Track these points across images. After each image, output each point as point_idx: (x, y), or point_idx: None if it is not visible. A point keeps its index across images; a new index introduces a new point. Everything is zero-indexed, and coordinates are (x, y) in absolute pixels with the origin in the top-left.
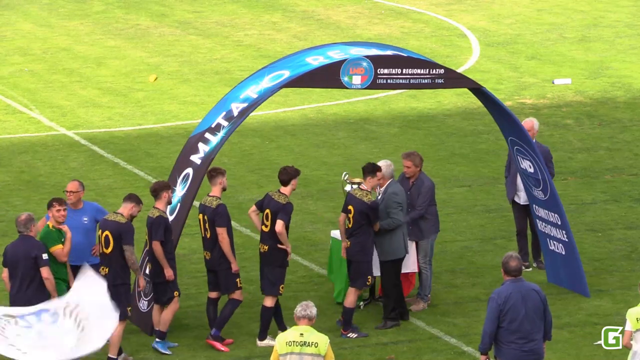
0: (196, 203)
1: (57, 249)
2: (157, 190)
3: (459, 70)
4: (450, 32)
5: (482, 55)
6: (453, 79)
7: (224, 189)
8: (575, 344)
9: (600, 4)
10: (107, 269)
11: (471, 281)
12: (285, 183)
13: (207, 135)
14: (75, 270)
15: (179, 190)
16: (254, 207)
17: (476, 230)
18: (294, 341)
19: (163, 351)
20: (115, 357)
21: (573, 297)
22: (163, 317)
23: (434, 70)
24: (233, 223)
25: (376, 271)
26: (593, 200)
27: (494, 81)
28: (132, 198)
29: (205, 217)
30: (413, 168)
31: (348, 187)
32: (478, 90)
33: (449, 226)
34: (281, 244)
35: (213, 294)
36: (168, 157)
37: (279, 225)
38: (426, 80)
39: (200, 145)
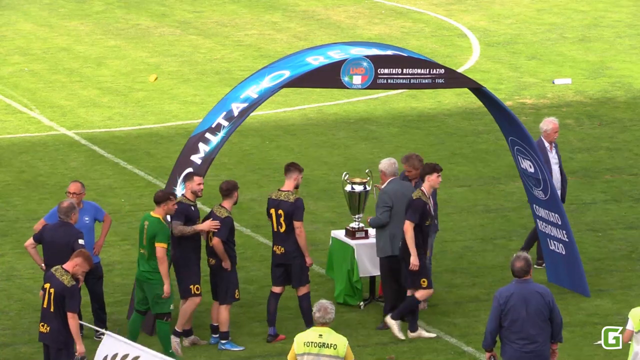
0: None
1: (159, 245)
2: (229, 190)
3: (459, 70)
4: (450, 32)
5: (482, 55)
6: (453, 79)
7: (296, 186)
8: (575, 344)
9: (600, 4)
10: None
11: (471, 281)
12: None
13: (208, 135)
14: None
15: (180, 190)
16: None
17: (476, 230)
18: (312, 342)
19: (234, 349)
20: (180, 330)
21: (573, 297)
22: (222, 317)
23: (434, 70)
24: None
25: (375, 270)
26: (593, 200)
27: (494, 81)
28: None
29: (280, 211)
30: (414, 171)
31: (348, 187)
32: (478, 90)
33: (449, 226)
34: None
35: (277, 289)
36: (168, 157)
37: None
38: (426, 80)
39: (201, 145)
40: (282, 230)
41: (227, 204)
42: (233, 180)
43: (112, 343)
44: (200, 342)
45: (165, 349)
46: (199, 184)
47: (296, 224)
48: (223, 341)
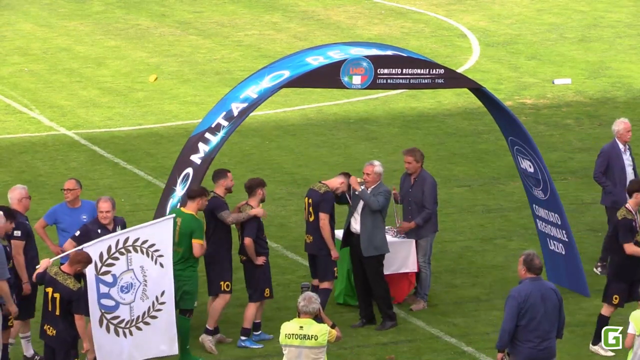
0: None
1: (198, 242)
2: (252, 187)
3: (459, 70)
4: (450, 32)
5: (482, 55)
6: (453, 79)
7: (337, 189)
8: (575, 344)
9: (600, 4)
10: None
11: (471, 281)
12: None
13: (207, 135)
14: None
15: (179, 190)
16: None
17: (476, 230)
18: (293, 334)
19: (253, 346)
20: (212, 328)
21: (573, 297)
22: (247, 314)
23: (434, 70)
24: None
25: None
26: (593, 200)
27: (494, 81)
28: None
29: (310, 201)
30: (414, 164)
31: None
32: (478, 90)
33: (449, 226)
34: None
35: (315, 282)
36: (168, 157)
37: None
38: (426, 80)
39: (201, 145)
40: (311, 220)
41: (252, 201)
42: (258, 178)
43: (96, 247)
44: (226, 339)
45: (183, 345)
46: (232, 179)
47: (321, 215)
48: (243, 337)
